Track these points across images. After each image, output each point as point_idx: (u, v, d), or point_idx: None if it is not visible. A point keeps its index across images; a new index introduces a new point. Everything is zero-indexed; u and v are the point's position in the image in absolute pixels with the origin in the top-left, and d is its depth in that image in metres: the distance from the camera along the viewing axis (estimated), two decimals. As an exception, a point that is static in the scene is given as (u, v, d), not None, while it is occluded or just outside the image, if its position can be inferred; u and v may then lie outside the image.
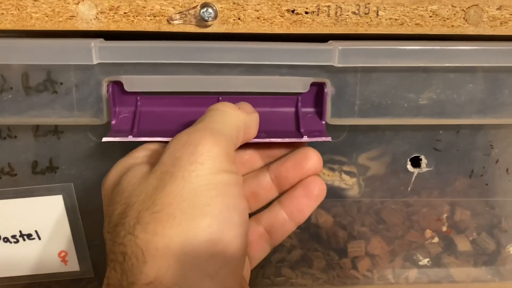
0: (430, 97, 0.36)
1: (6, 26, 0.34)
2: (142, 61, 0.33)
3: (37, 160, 0.38)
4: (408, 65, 0.34)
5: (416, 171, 0.42)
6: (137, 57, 0.32)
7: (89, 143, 0.38)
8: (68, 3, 0.33)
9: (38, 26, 0.34)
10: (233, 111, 0.31)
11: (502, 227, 0.47)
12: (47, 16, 0.34)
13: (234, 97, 0.35)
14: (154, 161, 0.30)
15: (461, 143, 0.41)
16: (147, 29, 0.34)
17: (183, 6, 0.33)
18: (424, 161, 0.41)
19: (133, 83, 0.34)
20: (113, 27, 0.34)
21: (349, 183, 0.43)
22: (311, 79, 0.35)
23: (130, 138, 0.33)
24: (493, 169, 0.43)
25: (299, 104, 0.36)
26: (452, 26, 0.35)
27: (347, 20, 0.34)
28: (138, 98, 0.36)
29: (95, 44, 0.32)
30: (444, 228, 0.46)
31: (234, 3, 0.34)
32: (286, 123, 0.36)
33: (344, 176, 0.42)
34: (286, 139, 0.34)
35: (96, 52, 0.32)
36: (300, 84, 0.35)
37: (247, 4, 0.34)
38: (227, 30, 0.34)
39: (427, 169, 0.42)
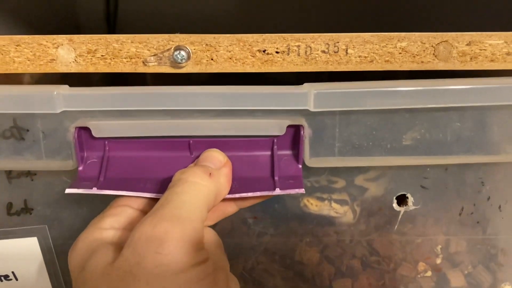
0: (414, 137, 0.35)
1: (-13, 71, 0.35)
2: (109, 109, 0.33)
3: (11, 201, 0.39)
4: (389, 108, 0.33)
5: (402, 209, 0.41)
6: (103, 105, 0.33)
7: (63, 184, 0.38)
8: (48, 48, 0.35)
9: (20, 70, 0.35)
10: (202, 182, 0.30)
11: (498, 261, 0.46)
12: (29, 60, 0.35)
13: (206, 140, 0.35)
14: (121, 239, 0.29)
15: (450, 181, 0.40)
16: (123, 71, 0.35)
17: (158, 48, 0.35)
18: (410, 199, 0.40)
19: (100, 129, 0.34)
20: (91, 69, 0.35)
21: (340, 212, 0.42)
22: (287, 122, 0.34)
23: (94, 191, 0.32)
24: (485, 206, 0.42)
25: (275, 147, 0.35)
26: (422, 62, 0.35)
27: (317, 58, 0.35)
28: (106, 142, 0.35)
29: (58, 92, 0.33)
30: (438, 261, 0.45)
31: (206, 44, 0.35)
32: (260, 168, 0.35)
33: (334, 205, 0.41)
34: (258, 192, 0.33)
35: (60, 101, 0.32)
36: (275, 127, 0.34)
37: (219, 46, 0.35)
38: (200, 70, 0.35)
39: (414, 207, 0.41)
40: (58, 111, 0.33)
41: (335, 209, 0.42)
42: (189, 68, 0.35)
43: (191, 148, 0.36)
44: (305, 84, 0.34)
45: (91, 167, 0.35)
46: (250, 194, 0.33)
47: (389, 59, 0.35)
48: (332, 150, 0.35)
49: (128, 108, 0.33)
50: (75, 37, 0.35)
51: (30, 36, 0.35)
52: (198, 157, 0.35)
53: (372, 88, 0.33)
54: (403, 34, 0.35)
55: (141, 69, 0.35)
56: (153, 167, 0.35)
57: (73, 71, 0.35)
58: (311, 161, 0.35)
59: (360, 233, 0.43)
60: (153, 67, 0.35)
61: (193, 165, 0.34)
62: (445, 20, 0.49)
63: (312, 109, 0.33)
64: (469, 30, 0.36)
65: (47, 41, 0.35)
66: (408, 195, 0.40)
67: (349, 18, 0.55)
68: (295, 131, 0.35)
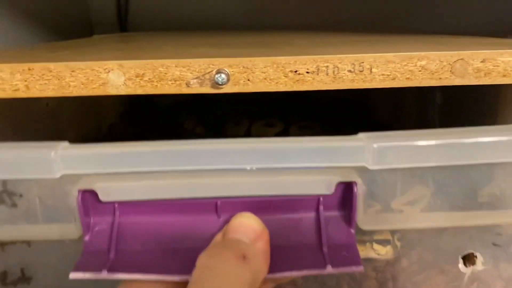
0: (491, 193, 0.30)
1: (49, 94, 0.39)
2: (117, 171, 0.29)
3: (6, 270, 0.34)
4: (465, 163, 0.29)
5: (469, 270, 0.35)
6: (111, 166, 0.29)
7: (65, 249, 0.34)
8: (100, 72, 0.39)
9: (75, 93, 0.39)
10: (235, 269, 0.25)
11: None
12: (82, 84, 0.39)
13: (237, 200, 0.31)
14: None
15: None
16: (169, 92, 0.39)
17: (199, 71, 0.38)
18: (480, 259, 0.35)
19: (109, 192, 0.30)
20: (139, 91, 0.39)
21: (382, 253, 0.36)
22: (337, 178, 0.30)
23: (104, 275, 0.28)
24: None
25: (321, 207, 0.30)
26: (440, 78, 0.39)
27: (343, 77, 0.39)
28: (116, 206, 0.31)
29: (56, 153, 0.29)
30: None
31: (243, 67, 0.38)
32: (303, 233, 0.30)
33: (376, 246, 0.36)
34: (305, 271, 0.27)
35: (59, 163, 0.28)
36: (322, 185, 0.30)
37: (255, 68, 0.38)
38: (238, 91, 0.39)
39: (483, 267, 0.35)
40: (58, 175, 0.29)
41: (377, 250, 0.36)
42: (227, 88, 0.39)
43: (218, 210, 0.31)
44: (361, 135, 0.30)
45: (99, 237, 0.30)
46: (294, 274, 0.28)
47: (410, 76, 0.39)
48: (391, 209, 0.30)
49: (141, 170, 0.29)
50: (125, 62, 0.38)
51: (84, 63, 0.39)
52: (227, 220, 0.30)
53: (444, 140, 0.29)
54: (422, 53, 0.38)
55: (184, 90, 0.39)
56: (172, 235, 0.30)
57: (122, 93, 0.39)
58: (365, 223, 0.30)
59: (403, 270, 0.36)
60: (196, 88, 0.39)
61: (221, 236, 0.29)
62: (460, 41, 0.52)
63: (371, 166, 0.29)
64: (483, 48, 0.39)
65: (99, 67, 0.38)
66: (477, 254, 0.35)
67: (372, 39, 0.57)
68: (345, 188, 0.30)
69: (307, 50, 0.44)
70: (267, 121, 0.88)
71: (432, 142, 0.29)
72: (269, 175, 0.29)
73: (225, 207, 0.31)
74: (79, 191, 0.30)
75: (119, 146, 0.29)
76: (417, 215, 0.30)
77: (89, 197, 0.31)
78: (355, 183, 0.30)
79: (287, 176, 0.29)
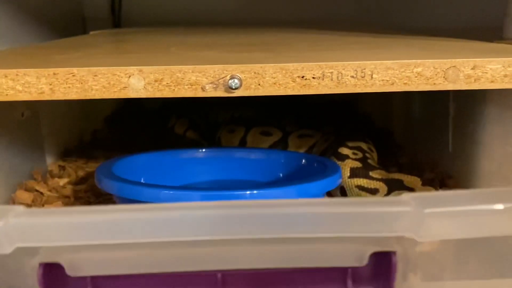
0: None
1: (73, 96, 0.42)
2: (84, 243, 0.23)
3: None
4: None
5: None
6: (80, 238, 0.22)
7: None
8: (121, 77, 0.42)
9: (97, 96, 0.42)
10: None
11: None
12: (104, 88, 0.42)
13: (243, 272, 0.24)
14: None
15: None
16: (185, 95, 0.42)
17: (214, 77, 0.41)
18: None
19: (79, 266, 0.24)
20: (158, 94, 0.42)
21: None
22: (371, 249, 0.24)
23: None
24: None
25: (349, 281, 0.25)
26: (434, 83, 0.43)
27: (347, 82, 0.42)
28: (89, 280, 0.25)
29: (7, 224, 0.22)
30: None
31: (255, 73, 0.42)
32: None
33: None
34: None
35: (11, 237, 0.22)
36: (352, 257, 0.24)
37: (265, 73, 0.42)
38: (249, 94, 0.42)
39: None
40: (9, 250, 0.22)
41: None
42: (240, 92, 0.42)
43: (219, 284, 0.25)
44: (405, 196, 0.25)
45: None
46: None
47: (407, 82, 0.42)
48: (438, 280, 0.25)
49: (119, 241, 0.22)
50: (144, 68, 0.41)
51: (106, 68, 0.41)
52: None
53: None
54: (419, 61, 0.42)
55: (200, 94, 0.42)
56: None
57: (142, 96, 0.42)
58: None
59: None
60: (210, 92, 0.42)
61: None
62: (453, 47, 0.55)
63: (419, 238, 0.23)
64: (469, 55, 0.43)
65: (120, 72, 0.41)
66: None
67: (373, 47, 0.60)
68: (381, 258, 0.25)
69: (312, 55, 0.47)
70: (263, 129, 0.82)
71: (500, 206, 0.23)
72: (287, 244, 0.23)
73: (228, 281, 0.24)
74: (40, 264, 0.24)
75: (90, 212, 0.23)
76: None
77: (54, 271, 0.24)
78: (394, 253, 0.24)
79: (307, 245, 0.23)
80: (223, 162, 0.67)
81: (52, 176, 0.73)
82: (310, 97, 0.78)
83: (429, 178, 0.68)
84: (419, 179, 0.61)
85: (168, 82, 0.42)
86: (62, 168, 0.77)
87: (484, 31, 1.25)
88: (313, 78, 0.42)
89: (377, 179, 0.62)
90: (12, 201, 0.63)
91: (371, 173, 0.63)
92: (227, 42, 0.69)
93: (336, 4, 1.47)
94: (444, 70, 0.42)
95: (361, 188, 0.63)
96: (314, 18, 1.47)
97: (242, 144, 0.81)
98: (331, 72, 0.42)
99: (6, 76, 0.41)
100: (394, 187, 0.60)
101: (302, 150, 0.80)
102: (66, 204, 0.65)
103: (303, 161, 0.64)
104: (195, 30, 0.97)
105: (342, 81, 0.42)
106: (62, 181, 0.72)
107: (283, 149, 0.79)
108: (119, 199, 0.52)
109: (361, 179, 0.64)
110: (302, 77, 0.42)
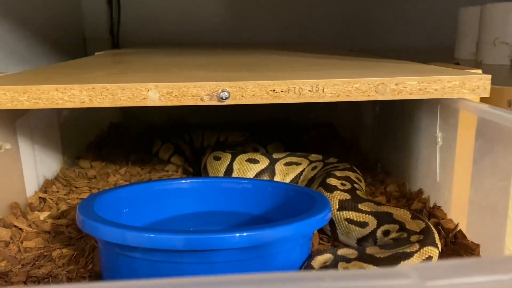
0: None
1: (106, 105, 0.57)
2: None
3: None
4: None
5: None
6: None
7: None
8: (142, 91, 0.57)
9: (124, 104, 0.57)
10: None
11: None
12: (129, 98, 0.57)
13: None
14: None
15: None
16: (189, 104, 0.58)
17: (210, 90, 0.57)
18: None
19: None
20: (169, 103, 0.57)
21: None
22: None
23: None
24: None
25: None
26: (368, 95, 0.59)
27: (305, 95, 0.58)
28: None
29: None
30: None
31: (239, 87, 0.58)
32: None
33: None
34: None
35: None
36: None
37: (247, 88, 0.58)
38: (235, 103, 0.58)
39: None
40: None
41: None
42: (228, 101, 0.58)
43: None
44: (405, 268, 0.24)
45: None
46: None
47: (349, 94, 0.59)
48: None
49: None
50: (159, 84, 0.57)
51: (130, 84, 0.57)
52: None
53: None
54: (357, 79, 0.58)
55: (199, 103, 0.58)
56: None
57: (157, 105, 0.57)
58: None
59: None
60: (207, 102, 0.58)
61: None
62: (387, 67, 0.72)
63: None
64: (395, 74, 0.59)
65: (141, 87, 0.57)
66: None
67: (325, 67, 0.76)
68: None
69: (282, 74, 0.63)
70: (250, 156, 0.81)
71: (504, 277, 0.23)
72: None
73: None
74: None
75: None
76: None
77: None
78: None
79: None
80: (210, 193, 0.66)
81: (32, 210, 0.71)
82: (295, 120, 0.93)
83: (418, 208, 0.69)
84: (408, 212, 0.60)
85: (177, 94, 0.57)
86: (43, 200, 0.75)
87: (439, 50, 1.44)
88: (281, 91, 0.58)
89: (366, 212, 0.62)
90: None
91: (360, 206, 0.63)
92: (217, 62, 0.85)
93: (310, 29, 1.66)
94: (375, 85, 0.59)
95: (350, 221, 0.63)
96: (292, 40, 1.65)
97: (229, 172, 0.81)
98: (294, 87, 0.58)
99: (57, 90, 0.57)
100: (384, 220, 0.60)
101: (289, 178, 0.81)
102: (46, 240, 0.63)
103: (292, 193, 0.63)
104: (187, 51, 1.13)
105: (302, 94, 0.58)
106: (43, 215, 0.70)
107: (270, 177, 0.81)
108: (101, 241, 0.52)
109: (350, 212, 0.63)
110: (273, 90, 0.58)
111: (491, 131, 0.56)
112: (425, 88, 0.59)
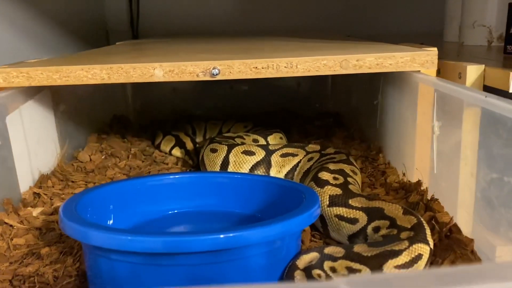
0: None
1: (121, 81, 0.72)
2: None
3: None
4: None
5: None
6: None
7: None
8: (149, 69, 0.71)
9: (136, 80, 0.71)
10: None
11: None
12: (139, 75, 0.71)
13: None
14: None
15: None
16: (187, 79, 0.71)
17: (203, 68, 0.71)
18: None
19: None
20: (171, 79, 0.71)
21: None
22: None
23: None
24: None
25: None
26: (334, 70, 0.72)
27: (282, 70, 0.71)
28: None
29: None
30: None
31: (227, 65, 0.71)
32: None
33: None
34: None
35: None
36: None
37: (233, 65, 0.71)
38: (224, 78, 0.71)
39: None
40: None
41: None
42: (219, 77, 0.71)
43: None
44: (339, 280, 0.25)
45: None
46: None
47: (318, 69, 0.71)
48: None
49: None
50: (164, 64, 0.71)
51: (140, 64, 0.71)
52: None
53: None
54: (324, 57, 0.71)
55: (195, 78, 0.71)
56: None
57: (162, 80, 0.71)
58: None
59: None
60: (202, 77, 0.71)
61: None
62: (355, 47, 0.84)
63: None
64: (357, 53, 0.72)
65: (149, 66, 0.71)
66: None
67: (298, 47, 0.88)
68: None
69: (267, 54, 0.76)
70: (246, 148, 0.81)
71: None
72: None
73: None
74: None
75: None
76: None
77: None
78: None
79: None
80: (199, 189, 0.65)
81: (25, 205, 0.70)
82: (301, 112, 0.98)
83: (414, 201, 0.67)
84: (400, 207, 0.58)
85: (177, 71, 0.71)
86: (37, 195, 0.74)
87: (431, 34, 1.55)
88: (262, 68, 0.71)
89: (356, 208, 0.60)
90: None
91: (350, 201, 0.61)
92: (218, 48, 0.98)
93: (314, 17, 1.78)
94: (340, 61, 0.71)
95: (341, 217, 0.61)
96: (296, 27, 1.78)
97: (225, 164, 0.80)
98: (272, 64, 0.71)
99: (82, 69, 0.71)
100: (374, 216, 0.59)
101: (285, 170, 0.80)
102: (36, 237, 0.62)
103: (283, 188, 0.61)
104: (197, 40, 1.27)
105: (279, 70, 0.71)
106: (35, 211, 0.69)
107: (266, 169, 0.80)
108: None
109: (340, 208, 0.61)
110: (255, 67, 0.71)
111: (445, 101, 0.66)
112: (382, 63, 0.72)
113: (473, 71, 0.73)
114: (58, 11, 1.39)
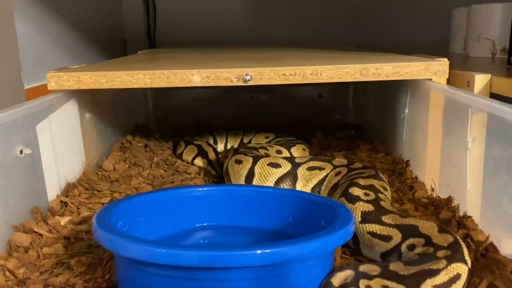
0: None
1: (162, 85, 0.79)
2: None
3: None
4: None
5: None
6: None
7: None
8: (188, 75, 0.78)
9: (175, 85, 0.79)
10: None
11: None
12: (179, 81, 0.79)
13: None
14: None
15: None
16: (222, 84, 0.78)
17: (237, 74, 0.78)
18: None
19: None
20: (207, 84, 0.79)
21: None
22: None
23: None
24: None
25: None
26: (355, 77, 0.79)
27: (308, 77, 0.79)
28: None
29: None
30: None
31: (258, 72, 0.78)
32: None
33: None
34: None
35: None
36: None
37: (264, 72, 0.78)
38: (256, 84, 0.79)
39: None
40: None
41: None
42: (251, 83, 0.79)
43: None
44: None
45: None
46: None
47: (340, 77, 0.79)
48: None
49: None
50: (201, 70, 0.78)
51: (180, 70, 0.78)
52: None
53: None
54: (346, 65, 0.79)
55: (230, 84, 0.79)
56: None
57: (199, 85, 0.79)
58: None
59: None
60: (235, 82, 0.79)
61: None
62: (372, 57, 0.90)
63: None
64: (376, 62, 0.79)
65: (188, 73, 0.78)
66: None
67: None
68: None
69: (290, 63, 0.84)
70: (272, 160, 0.81)
71: None
72: None
73: None
74: None
75: None
76: None
77: None
78: None
79: None
80: (228, 203, 0.64)
81: (53, 214, 0.70)
82: (319, 122, 1.02)
83: (446, 218, 0.66)
84: (435, 224, 0.57)
85: (213, 77, 0.79)
86: (64, 204, 0.74)
87: (438, 46, 1.63)
88: (290, 75, 0.79)
89: (390, 225, 0.59)
90: (9, 245, 0.61)
91: (383, 218, 0.60)
92: (241, 57, 1.06)
93: (322, 29, 1.86)
94: (360, 70, 0.79)
95: (373, 234, 0.60)
96: (305, 39, 1.86)
97: (250, 176, 0.80)
98: (299, 72, 0.79)
99: (127, 75, 0.79)
100: (409, 234, 0.57)
101: (311, 184, 0.79)
102: (65, 246, 0.62)
103: (313, 204, 0.61)
104: (215, 49, 1.35)
105: (305, 77, 0.79)
106: (63, 220, 0.69)
107: (292, 182, 0.79)
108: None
109: (373, 225, 0.60)
110: (284, 74, 0.79)
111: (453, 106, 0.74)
112: (398, 72, 0.79)
113: (480, 80, 0.81)
114: (81, 21, 1.47)
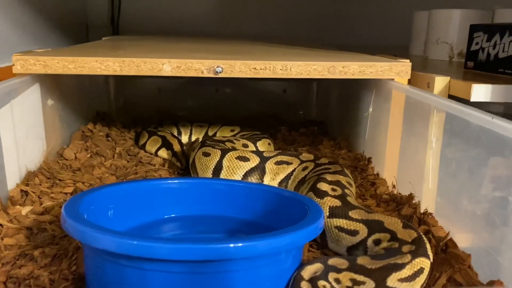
0: None
1: (132, 73, 0.79)
2: None
3: None
4: None
5: None
6: None
7: None
8: (159, 64, 0.78)
9: (146, 73, 0.79)
10: None
11: None
12: (149, 69, 0.79)
13: None
14: None
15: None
16: (192, 75, 0.79)
17: (208, 65, 0.79)
18: None
19: None
20: (178, 74, 0.79)
21: None
22: None
23: None
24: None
25: None
26: (323, 74, 0.81)
27: (278, 72, 0.80)
28: None
29: None
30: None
31: (230, 65, 0.79)
32: None
33: None
34: None
35: None
36: None
37: (235, 65, 0.79)
38: (226, 76, 0.80)
39: None
40: None
41: None
42: (221, 75, 0.79)
43: None
44: None
45: None
46: None
47: (309, 73, 0.81)
48: None
49: None
50: (172, 60, 0.78)
51: (151, 59, 0.78)
52: None
53: None
54: (314, 62, 0.81)
55: (200, 75, 0.79)
56: None
57: (170, 75, 0.79)
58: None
59: None
60: (206, 74, 0.79)
61: None
62: (340, 56, 0.93)
63: None
64: (343, 61, 0.82)
65: (159, 62, 0.78)
66: None
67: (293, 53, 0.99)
68: None
69: (260, 57, 0.85)
70: (240, 154, 0.81)
71: None
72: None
73: None
74: None
75: None
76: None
77: None
78: None
79: None
80: (200, 195, 0.64)
81: (13, 204, 0.68)
82: (284, 116, 1.04)
83: (407, 214, 0.68)
84: (399, 220, 0.59)
85: (184, 68, 0.79)
86: (25, 193, 0.72)
87: (399, 47, 1.68)
88: (260, 69, 0.80)
89: (357, 220, 0.61)
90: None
91: (350, 213, 0.62)
92: (210, 48, 1.06)
93: (290, 25, 1.88)
94: (328, 67, 0.81)
95: (340, 229, 0.61)
96: (273, 34, 1.88)
97: (218, 169, 0.79)
98: (270, 66, 0.80)
99: (96, 61, 0.78)
100: (375, 229, 0.59)
101: (279, 178, 0.80)
102: (28, 237, 0.60)
103: (284, 199, 0.61)
104: (183, 39, 1.34)
105: (275, 71, 0.80)
106: (25, 210, 0.67)
107: (260, 176, 0.80)
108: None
109: (341, 220, 0.61)
110: (254, 68, 0.80)
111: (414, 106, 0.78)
112: (364, 71, 0.82)
113: (440, 82, 0.85)
114: (44, 4, 1.42)
